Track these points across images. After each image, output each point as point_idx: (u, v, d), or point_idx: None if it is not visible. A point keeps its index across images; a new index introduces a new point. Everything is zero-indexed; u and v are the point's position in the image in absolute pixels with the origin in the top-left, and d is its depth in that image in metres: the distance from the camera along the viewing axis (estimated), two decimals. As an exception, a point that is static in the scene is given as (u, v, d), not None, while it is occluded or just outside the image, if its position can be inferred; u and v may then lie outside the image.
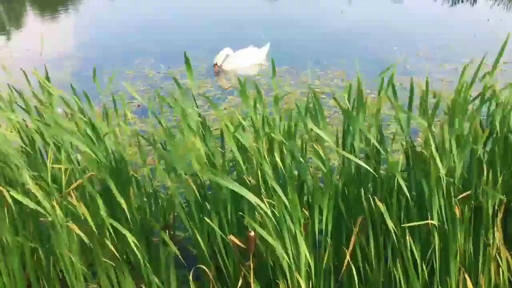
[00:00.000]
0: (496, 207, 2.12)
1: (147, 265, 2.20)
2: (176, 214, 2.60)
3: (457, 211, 2.02)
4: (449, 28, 8.19)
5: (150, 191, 2.66)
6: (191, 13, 10.24)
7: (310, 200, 2.21)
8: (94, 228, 2.06)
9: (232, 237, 2.02)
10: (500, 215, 2.09)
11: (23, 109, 2.39)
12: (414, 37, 7.69)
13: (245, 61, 6.52)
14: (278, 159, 2.10)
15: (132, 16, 10.15)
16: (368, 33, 8.08)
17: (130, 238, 2.04)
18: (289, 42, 7.06)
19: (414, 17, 9.56)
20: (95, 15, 10.52)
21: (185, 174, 2.13)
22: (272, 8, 10.93)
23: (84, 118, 2.25)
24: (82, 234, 2.07)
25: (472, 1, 10.90)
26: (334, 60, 6.56)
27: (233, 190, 2.12)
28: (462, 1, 10.94)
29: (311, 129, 2.05)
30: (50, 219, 2.01)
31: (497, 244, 2.08)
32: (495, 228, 2.07)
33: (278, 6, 11.18)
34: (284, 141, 2.12)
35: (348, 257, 2.11)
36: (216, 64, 6.31)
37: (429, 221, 2.03)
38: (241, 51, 6.57)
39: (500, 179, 2.07)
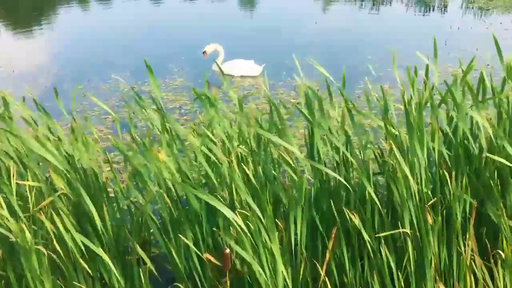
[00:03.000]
0: (467, 214, 2.15)
1: (122, 284, 2.16)
2: (151, 230, 2.57)
3: (429, 218, 2.03)
4: (421, 36, 8.33)
5: (125, 207, 2.63)
6: (166, 27, 10.23)
7: (286, 212, 2.21)
8: (65, 248, 2.02)
9: (207, 255, 2.00)
10: (472, 222, 2.11)
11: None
12: (387, 46, 7.80)
13: (239, 71, 6.75)
14: (249, 171, 2.09)
15: (107, 30, 10.09)
16: (343, 42, 8.18)
17: (103, 257, 2.00)
18: (264, 54, 7.10)
19: (388, 26, 9.71)
20: (69, 31, 10.42)
21: (160, 188, 2.11)
22: (244, 22, 10.98)
23: (53, 136, 2.21)
24: (53, 255, 2.02)
25: (442, 10, 11.13)
26: (309, 70, 6.59)
27: (208, 205, 2.10)
28: (433, 10, 11.16)
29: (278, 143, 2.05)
30: (16, 240, 1.96)
31: (471, 252, 2.09)
32: (467, 235, 2.09)
33: (252, 19, 11.24)
34: (255, 153, 2.11)
35: (324, 269, 2.11)
36: (205, 51, 6.84)
37: (401, 230, 2.04)
38: (238, 61, 6.80)
39: (466, 182, 2.09)
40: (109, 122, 5.17)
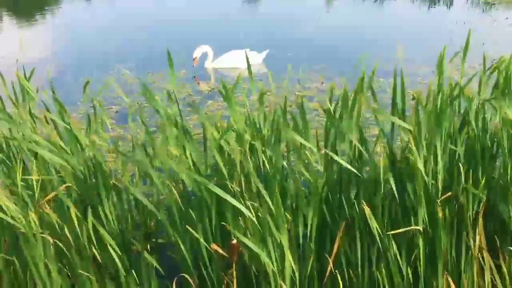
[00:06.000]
0: (477, 209, 2.13)
1: (128, 275, 2.15)
2: (158, 220, 2.56)
3: (440, 213, 2.02)
4: (426, 31, 8.30)
5: (131, 198, 2.61)
6: (169, 17, 10.19)
7: (294, 205, 2.19)
8: (71, 239, 2.01)
9: (214, 246, 1.99)
10: (480, 216, 2.10)
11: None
12: (393, 40, 7.76)
13: (236, 62, 6.61)
14: (261, 162, 2.08)
15: (111, 21, 10.06)
16: (346, 37, 8.15)
17: (111, 248, 1.99)
18: (269, 46, 7.07)
19: (393, 20, 9.67)
20: (72, 21, 10.39)
21: (168, 181, 2.10)
22: (252, 13, 10.94)
23: (64, 124, 2.20)
24: (60, 244, 2.01)
25: (448, 4, 11.08)
26: (313, 63, 6.58)
27: (216, 196, 2.09)
28: (439, 5, 11.10)
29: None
30: (23, 230, 1.95)
31: (479, 245, 2.09)
32: (477, 229, 2.08)
33: (258, 10, 11.19)
34: (265, 147, 2.10)
35: (331, 263, 2.09)
36: (195, 58, 6.57)
37: (414, 227, 2.02)
38: (235, 51, 6.67)
39: (482, 181, 2.08)
40: (112, 112, 5.15)
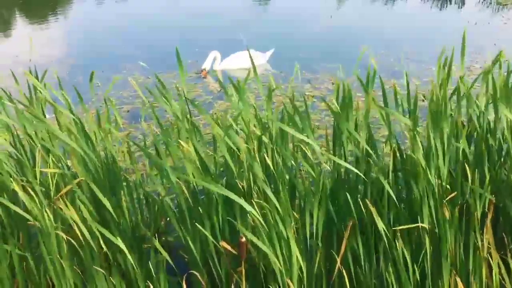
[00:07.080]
0: (485, 208, 2.13)
1: (138, 271, 2.18)
2: (168, 219, 2.59)
3: (446, 213, 2.02)
4: (437, 31, 8.25)
5: (142, 196, 2.65)
6: (179, 18, 10.24)
7: (302, 204, 2.21)
8: (84, 234, 2.04)
9: (223, 243, 2.01)
10: (489, 216, 2.10)
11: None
12: (403, 40, 7.74)
13: (243, 63, 6.57)
14: (269, 161, 2.10)
15: (121, 22, 10.12)
16: (357, 37, 8.12)
17: (120, 245, 2.02)
18: (278, 47, 7.08)
19: (404, 20, 9.63)
20: (84, 21, 10.47)
21: (178, 179, 2.12)
22: (260, 13, 10.96)
23: (76, 120, 2.24)
24: (72, 241, 2.05)
25: (460, 4, 11.01)
26: (323, 64, 6.58)
27: (225, 195, 2.11)
28: (451, 4, 11.04)
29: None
30: (39, 225, 1.98)
31: (488, 246, 2.08)
32: (485, 230, 2.07)
33: (267, 11, 11.21)
34: (274, 145, 2.11)
35: (339, 261, 2.11)
36: (204, 69, 6.42)
37: (420, 224, 2.03)
38: (241, 53, 6.64)
39: (487, 179, 2.08)
40: (123, 112, 5.19)
